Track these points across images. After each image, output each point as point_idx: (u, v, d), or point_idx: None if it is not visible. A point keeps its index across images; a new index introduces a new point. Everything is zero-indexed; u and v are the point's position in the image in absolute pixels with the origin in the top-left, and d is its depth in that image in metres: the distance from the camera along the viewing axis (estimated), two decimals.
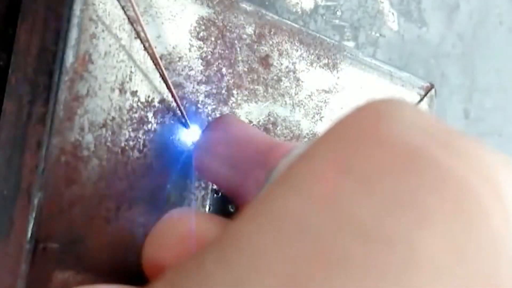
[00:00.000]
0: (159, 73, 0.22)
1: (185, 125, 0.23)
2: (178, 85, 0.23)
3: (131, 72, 0.22)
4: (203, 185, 0.24)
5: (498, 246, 0.12)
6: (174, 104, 0.23)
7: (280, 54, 0.26)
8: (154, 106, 0.22)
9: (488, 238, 0.12)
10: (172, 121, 0.23)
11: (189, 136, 0.23)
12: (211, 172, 0.21)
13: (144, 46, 0.22)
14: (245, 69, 0.25)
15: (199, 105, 0.23)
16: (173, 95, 0.22)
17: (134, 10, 0.21)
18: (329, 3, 0.35)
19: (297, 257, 0.12)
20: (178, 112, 0.23)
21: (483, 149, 0.13)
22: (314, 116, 0.28)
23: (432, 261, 0.12)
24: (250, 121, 0.25)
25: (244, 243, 0.12)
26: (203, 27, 0.24)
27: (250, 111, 0.25)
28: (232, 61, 0.25)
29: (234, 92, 0.25)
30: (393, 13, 0.38)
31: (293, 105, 0.27)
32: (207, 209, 0.24)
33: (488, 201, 0.12)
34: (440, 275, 0.11)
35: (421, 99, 0.31)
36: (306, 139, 0.27)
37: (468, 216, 0.12)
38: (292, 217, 0.12)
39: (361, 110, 0.14)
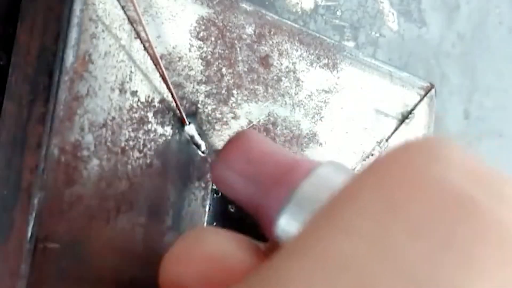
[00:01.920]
0: (159, 73, 0.22)
1: (185, 125, 0.23)
2: (178, 85, 0.23)
3: (131, 72, 0.22)
4: (203, 185, 0.24)
5: None
6: (174, 104, 0.23)
7: (280, 54, 0.26)
8: (154, 106, 0.22)
9: None
10: (172, 121, 0.23)
11: (188, 135, 0.23)
12: (231, 188, 0.21)
13: (144, 46, 0.22)
14: (245, 69, 0.25)
15: (199, 105, 0.23)
16: (173, 95, 0.22)
17: (135, 9, 0.21)
18: (329, 3, 0.35)
19: None
20: (178, 112, 0.23)
21: None
22: (314, 116, 0.28)
23: None
24: (250, 121, 0.25)
25: (290, 284, 0.12)
26: (203, 27, 0.24)
27: (250, 111, 0.25)
28: (232, 61, 0.25)
29: (234, 92, 0.25)
30: (393, 13, 0.38)
31: (293, 105, 0.27)
32: (207, 209, 0.24)
33: None
34: None
35: (421, 99, 0.31)
36: (306, 139, 0.27)
37: None
38: (340, 257, 0.12)
39: (411, 148, 0.14)
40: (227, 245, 0.18)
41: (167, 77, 0.22)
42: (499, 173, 0.14)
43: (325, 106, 0.28)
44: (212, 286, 0.18)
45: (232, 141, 0.22)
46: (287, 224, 0.18)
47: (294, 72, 0.27)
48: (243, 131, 0.23)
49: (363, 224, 0.12)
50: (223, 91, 0.24)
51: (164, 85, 0.22)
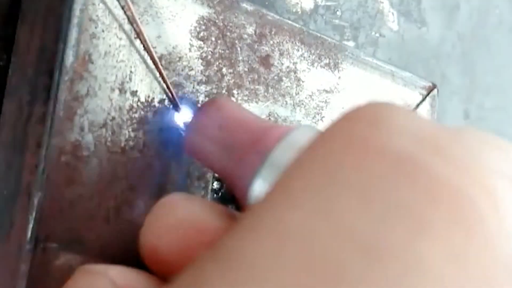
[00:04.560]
0: (159, 72, 0.22)
1: (185, 125, 0.23)
2: (178, 85, 0.23)
3: (131, 72, 0.22)
4: (203, 185, 0.24)
5: (494, 251, 0.12)
6: (174, 104, 0.23)
7: (281, 54, 0.26)
8: (154, 106, 0.22)
9: (484, 243, 0.12)
10: (172, 121, 0.23)
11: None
12: (204, 155, 0.21)
13: (144, 46, 0.22)
14: (246, 69, 0.25)
15: (199, 105, 0.23)
16: (172, 95, 0.22)
17: (130, 10, 0.21)
18: (329, 3, 0.35)
19: (297, 271, 0.12)
20: (178, 112, 0.23)
21: (478, 154, 0.13)
22: (315, 116, 0.27)
23: (433, 269, 0.11)
24: None
25: (243, 257, 0.12)
26: (203, 27, 0.24)
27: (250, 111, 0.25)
28: (232, 61, 0.25)
29: (235, 92, 0.25)
30: (393, 13, 0.38)
31: (293, 105, 0.27)
32: None
33: (483, 207, 0.12)
34: (443, 283, 0.11)
35: (423, 99, 0.31)
36: None
37: (465, 222, 0.12)
38: (289, 230, 0.12)
39: (350, 116, 0.14)
40: (200, 211, 0.18)
41: (165, 76, 0.22)
42: (446, 133, 0.13)
43: (326, 106, 0.28)
44: (188, 253, 0.17)
45: (204, 108, 0.21)
46: (260, 191, 0.18)
47: (295, 72, 0.27)
48: (215, 98, 0.22)
49: (310, 198, 0.12)
50: (224, 91, 0.24)
51: (164, 85, 0.22)
